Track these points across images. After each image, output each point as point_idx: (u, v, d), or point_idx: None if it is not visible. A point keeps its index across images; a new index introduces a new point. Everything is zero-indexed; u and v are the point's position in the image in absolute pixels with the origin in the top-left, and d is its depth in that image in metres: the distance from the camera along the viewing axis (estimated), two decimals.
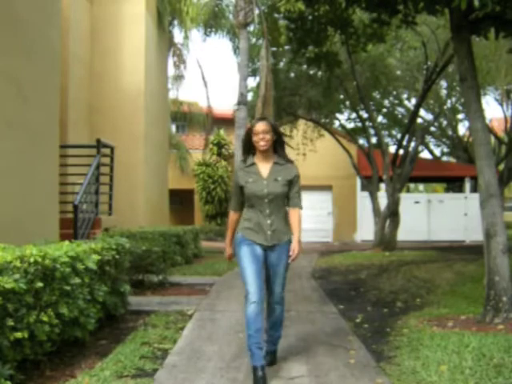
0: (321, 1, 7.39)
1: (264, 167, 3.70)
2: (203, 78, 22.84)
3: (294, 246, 3.63)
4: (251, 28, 14.73)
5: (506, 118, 18.05)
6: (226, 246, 3.94)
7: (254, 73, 16.22)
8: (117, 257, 4.98)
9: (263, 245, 3.65)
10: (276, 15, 13.55)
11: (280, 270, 3.72)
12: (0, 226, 5.07)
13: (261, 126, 3.65)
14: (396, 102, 20.30)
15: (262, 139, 3.62)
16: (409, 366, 3.67)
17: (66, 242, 4.30)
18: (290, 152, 4.09)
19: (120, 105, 11.26)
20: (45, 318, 3.36)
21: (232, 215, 3.87)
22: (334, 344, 4.40)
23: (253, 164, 3.72)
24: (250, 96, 15.67)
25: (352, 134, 18.08)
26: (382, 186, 16.25)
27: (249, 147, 3.75)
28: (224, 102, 60.32)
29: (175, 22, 16.44)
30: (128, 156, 10.80)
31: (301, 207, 3.73)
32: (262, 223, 3.65)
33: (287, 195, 3.68)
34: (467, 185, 19.67)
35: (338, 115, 18.53)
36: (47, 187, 6.51)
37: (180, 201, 22.87)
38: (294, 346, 4.30)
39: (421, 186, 36.09)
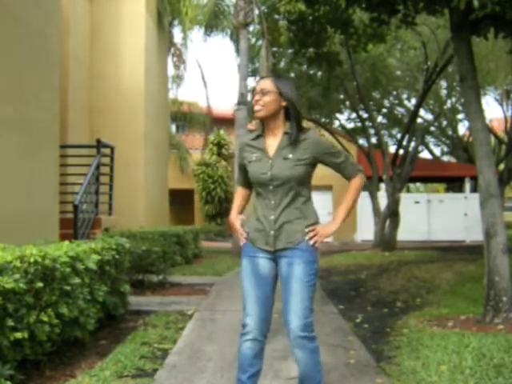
0: (321, 1, 7.39)
1: (272, 141, 2.67)
2: (203, 78, 22.86)
3: (323, 227, 2.63)
4: (251, 28, 14.73)
5: (506, 117, 18.05)
6: (231, 222, 2.80)
7: (254, 73, 16.22)
8: (117, 257, 4.97)
9: (268, 251, 2.63)
10: (276, 16, 13.56)
11: (294, 287, 2.55)
12: (1, 226, 5.08)
13: (259, 84, 2.67)
14: (396, 101, 20.32)
15: (257, 102, 2.63)
16: (409, 366, 3.66)
17: (66, 242, 4.30)
18: None
19: (120, 105, 11.27)
20: (45, 318, 3.36)
21: (239, 190, 2.89)
22: (333, 344, 4.39)
23: (259, 136, 2.70)
24: (250, 96, 15.65)
25: (352, 134, 18.09)
26: (382, 185, 16.25)
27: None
28: (224, 101, 60.37)
29: (175, 22, 16.44)
30: (128, 156, 10.81)
31: (358, 172, 2.72)
32: (265, 217, 2.62)
33: (303, 178, 2.62)
34: (467, 185, 19.68)
35: (338, 115, 18.56)
36: (47, 187, 6.51)
37: (180, 201, 22.87)
38: None
39: (420, 187, 36.07)
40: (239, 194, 2.88)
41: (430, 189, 34.22)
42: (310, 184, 2.70)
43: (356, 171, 2.72)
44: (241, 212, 2.84)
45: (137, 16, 11.56)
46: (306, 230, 2.60)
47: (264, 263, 2.64)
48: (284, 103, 2.64)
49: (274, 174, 2.59)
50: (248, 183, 2.79)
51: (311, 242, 2.59)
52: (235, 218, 2.80)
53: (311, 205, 2.70)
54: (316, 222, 2.66)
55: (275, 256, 2.63)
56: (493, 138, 18.33)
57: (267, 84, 2.64)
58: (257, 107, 2.63)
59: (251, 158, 2.67)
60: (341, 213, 2.70)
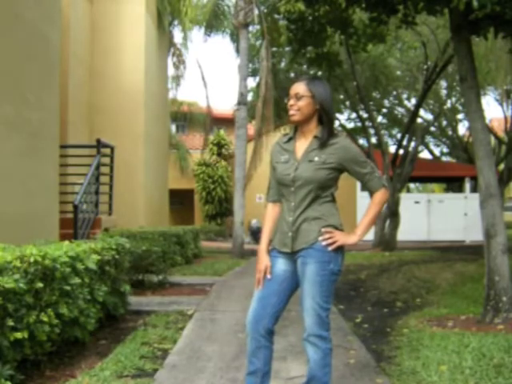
0: (321, 1, 7.38)
1: (302, 144, 2.70)
2: (203, 78, 22.83)
3: (341, 234, 2.64)
4: (251, 28, 14.74)
5: (506, 117, 18.04)
6: (259, 256, 2.72)
7: (254, 73, 16.22)
8: (117, 257, 4.97)
9: (287, 253, 2.66)
10: (276, 16, 13.56)
11: (306, 286, 2.57)
12: (1, 226, 5.08)
13: (293, 88, 2.70)
14: (396, 101, 20.31)
15: (292, 107, 2.68)
16: (409, 366, 3.66)
17: (66, 242, 4.30)
18: None
19: (120, 104, 11.27)
20: (45, 318, 3.35)
21: (268, 208, 2.82)
22: (334, 344, 4.36)
23: (291, 139, 2.75)
24: (250, 96, 15.67)
25: (352, 134, 18.09)
26: None
27: None
28: (224, 101, 60.43)
29: (175, 22, 16.43)
30: (128, 156, 10.81)
31: (383, 186, 2.68)
32: (285, 219, 2.66)
33: (324, 182, 2.61)
34: (467, 185, 19.66)
35: (338, 115, 18.54)
36: (47, 187, 6.51)
37: (180, 201, 22.87)
38: (294, 345, 4.29)
39: (419, 187, 36.05)
40: (270, 214, 2.79)
41: (429, 189, 34.23)
42: (333, 187, 2.68)
43: (380, 185, 2.69)
44: (269, 236, 2.75)
45: (137, 16, 11.56)
46: (323, 230, 2.60)
47: (281, 263, 2.68)
48: (318, 106, 2.66)
49: (296, 175, 2.62)
50: (280, 193, 2.74)
51: (324, 243, 2.58)
52: (265, 251, 2.72)
53: (332, 207, 2.67)
54: (335, 225, 2.65)
55: (294, 257, 2.64)
56: (493, 138, 18.32)
57: (301, 88, 2.67)
58: (291, 112, 2.67)
59: (279, 159, 2.71)
60: (362, 227, 2.71)
